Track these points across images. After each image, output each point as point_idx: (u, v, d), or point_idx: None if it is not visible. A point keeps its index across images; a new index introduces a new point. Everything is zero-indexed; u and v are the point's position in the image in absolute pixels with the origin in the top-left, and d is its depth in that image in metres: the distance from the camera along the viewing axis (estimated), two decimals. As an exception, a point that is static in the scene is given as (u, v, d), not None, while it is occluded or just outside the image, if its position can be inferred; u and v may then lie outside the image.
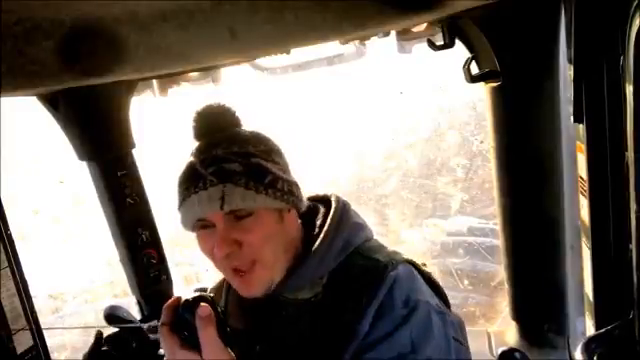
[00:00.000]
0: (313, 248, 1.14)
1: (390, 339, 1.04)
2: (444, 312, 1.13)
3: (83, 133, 1.87)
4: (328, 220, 1.17)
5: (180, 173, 1.11)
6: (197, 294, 1.07)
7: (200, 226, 1.10)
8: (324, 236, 1.15)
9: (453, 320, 1.14)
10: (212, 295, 1.08)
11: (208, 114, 1.16)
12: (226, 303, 1.27)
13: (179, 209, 1.10)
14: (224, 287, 1.30)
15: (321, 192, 1.29)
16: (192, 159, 1.10)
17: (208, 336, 0.96)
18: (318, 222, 1.19)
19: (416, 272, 1.15)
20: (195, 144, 1.15)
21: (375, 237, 1.24)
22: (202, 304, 0.98)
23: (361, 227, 1.21)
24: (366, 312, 1.06)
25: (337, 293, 1.10)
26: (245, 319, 1.18)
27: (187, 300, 1.03)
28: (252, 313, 1.17)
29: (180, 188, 1.10)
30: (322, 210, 1.22)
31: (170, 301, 1.04)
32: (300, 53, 1.87)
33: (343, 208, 1.21)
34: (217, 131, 1.14)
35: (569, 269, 1.77)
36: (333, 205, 1.20)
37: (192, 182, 1.07)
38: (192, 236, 1.14)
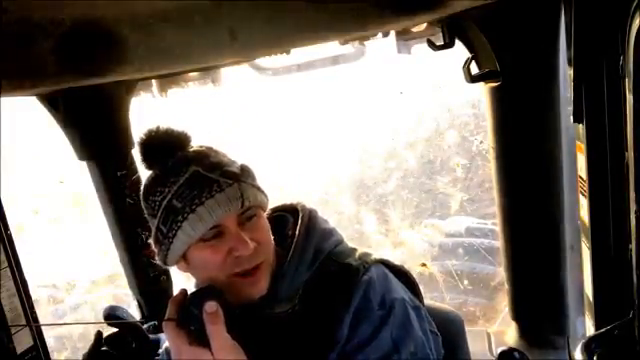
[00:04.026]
0: (286, 261, 1.14)
1: (373, 342, 1.05)
2: (419, 306, 1.15)
3: (83, 133, 1.87)
4: (296, 231, 1.17)
5: (176, 187, 1.05)
6: (204, 286, 1.05)
7: (211, 235, 1.06)
8: (294, 248, 1.15)
9: (426, 313, 1.17)
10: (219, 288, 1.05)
11: (167, 135, 1.12)
12: None
13: (186, 219, 1.03)
14: None
15: (288, 202, 1.29)
16: (191, 170, 1.06)
17: (217, 332, 0.94)
18: (289, 233, 1.20)
19: (388, 271, 1.17)
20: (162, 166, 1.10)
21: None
22: (209, 301, 0.95)
23: (330, 233, 1.21)
24: (343, 318, 1.06)
25: (313, 303, 1.10)
26: None
27: (194, 293, 1.02)
28: (229, 329, 1.16)
29: (185, 198, 1.04)
30: (291, 220, 1.23)
31: (176, 295, 1.03)
32: (304, 53, 1.87)
33: (309, 216, 1.21)
34: (179, 149, 1.11)
35: (569, 269, 1.77)
36: (300, 215, 1.20)
37: (203, 188, 1.03)
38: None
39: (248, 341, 1.00)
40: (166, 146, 1.10)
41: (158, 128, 1.12)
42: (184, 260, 1.12)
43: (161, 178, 1.09)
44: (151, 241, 1.15)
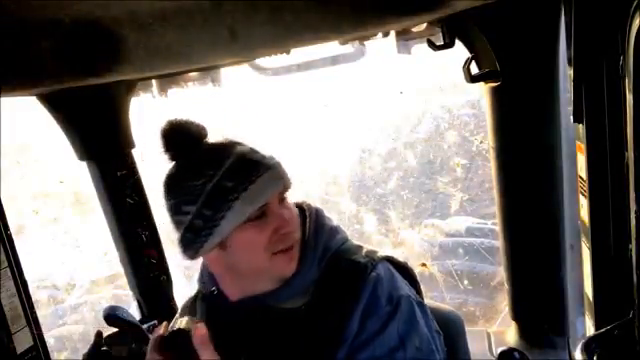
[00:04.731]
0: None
1: (380, 337, 1.07)
2: (422, 303, 1.17)
3: (83, 133, 1.87)
4: (305, 230, 1.18)
5: (224, 168, 1.06)
6: (176, 327, 1.04)
7: (256, 215, 1.07)
8: (305, 245, 1.16)
9: (429, 310, 1.19)
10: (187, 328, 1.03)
11: (189, 125, 1.13)
12: (207, 316, 1.22)
13: (237, 199, 1.04)
14: (199, 301, 1.27)
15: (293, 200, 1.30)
16: (237, 152, 1.08)
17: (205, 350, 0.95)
18: None
19: (393, 268, 1.18)
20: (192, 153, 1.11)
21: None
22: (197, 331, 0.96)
23: (336, 231, 1.23)
24: (353, 314, 1.08)
25: (323, 299, 1.11)
26: (227, 331, 1.13)
27: (164, 336, 1.01)
28: (236, 324, 1.15)
29: (236, 178, 1.05)
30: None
31: (154, 337, 1.03)
32: (304, 53, 1.87)
33: (317, 214, 1.22)
34: (203, 139, 1.14)
35: (569, 269, 1.77)
36: (307, 213, 1.21)
37: (252, 168, 1.07)
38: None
39: (259, 337, 1.03)
40: (192, 135, 1.12)
41: (178, 119, 1.13)
42: (220, 246, 1.10)
43: (200, 163, 1.09)
44: (178, 235, 1.12)
